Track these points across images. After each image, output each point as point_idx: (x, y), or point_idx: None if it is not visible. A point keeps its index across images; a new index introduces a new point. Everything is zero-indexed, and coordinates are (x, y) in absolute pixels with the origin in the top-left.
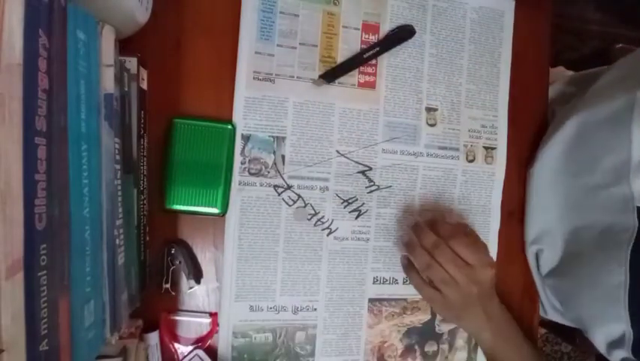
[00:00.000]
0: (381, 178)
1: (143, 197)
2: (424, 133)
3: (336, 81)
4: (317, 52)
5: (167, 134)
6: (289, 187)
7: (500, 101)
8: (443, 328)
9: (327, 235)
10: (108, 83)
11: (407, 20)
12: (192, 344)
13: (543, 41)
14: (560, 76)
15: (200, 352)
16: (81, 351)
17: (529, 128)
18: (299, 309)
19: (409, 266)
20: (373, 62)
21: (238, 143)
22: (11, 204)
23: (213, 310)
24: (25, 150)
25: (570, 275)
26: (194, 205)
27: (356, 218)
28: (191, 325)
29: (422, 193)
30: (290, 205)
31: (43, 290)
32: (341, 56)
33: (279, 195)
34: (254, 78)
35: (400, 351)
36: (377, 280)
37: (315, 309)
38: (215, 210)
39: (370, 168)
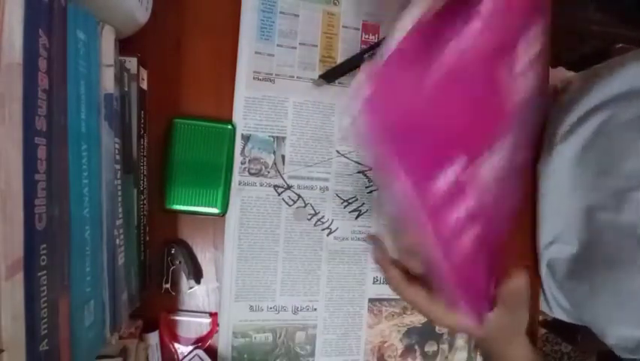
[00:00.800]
0: None
1: (143, 197)
2: None
3: (336, 81)
4: (317, 52)
5: (167, 134)
6: (289, 187)
7: None
8: (443, 328)
9: (327, 235)
10: (108, 83)
11: None
12: (192, 344)
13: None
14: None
15: (200, 352)
16: (81, 351)
17: None
18: (299, 309)
19: (379, 251)
20: None
21: (238, 143)
22: (11, 204)
23: (213, 310)
24: (25, 150)
25: (588, 280)
26: (194, 205)
27: (356, 218)
28: (191, 325)
29: None
30: (290, 205)
31: (43, 290)
32: (341, 56)
33: (279, 195)
34: (254, 78)
35: (399, 351)
36: (377, 280)
37: (315, 309)
38: (215, 210)
39: (370, 168)
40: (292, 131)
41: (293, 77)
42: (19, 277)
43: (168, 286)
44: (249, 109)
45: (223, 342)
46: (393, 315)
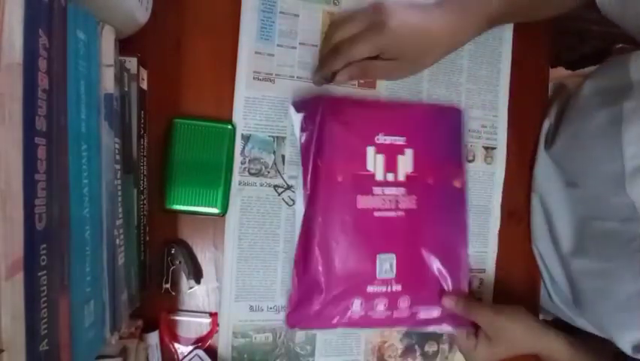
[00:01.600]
0: None
1: (143, 197)
2: None
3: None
4: (317, 52)
5: (167, 134)
6: (289, 187)
7: (500, 101)
8: (443, 328)
9: None
10: (108, 83)
11: None
12: (192, 344)
13: (543, 41)
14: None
15: (200, 352)
16: (81, 351)
17: (529, 129)
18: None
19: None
20: None
21: (238, 143)
22: (11, 204)
23: (213, 311)
24: (25, 150)
25: (581, 287)
26: (194, 205)
27: None
28: (191, 325)
29: None
30: (290, 205)
31: (43, 290)
32: None
33: (279, 195)
34: (254, 78)
35: (399, 351)
36: None
37: None
38: (215, 210)
39: None
40: (292, 131)
41: (293, 77)
42: (19, 277)
43: (168, 286)
44: (249, 109)
45: (223, 342)
46: None
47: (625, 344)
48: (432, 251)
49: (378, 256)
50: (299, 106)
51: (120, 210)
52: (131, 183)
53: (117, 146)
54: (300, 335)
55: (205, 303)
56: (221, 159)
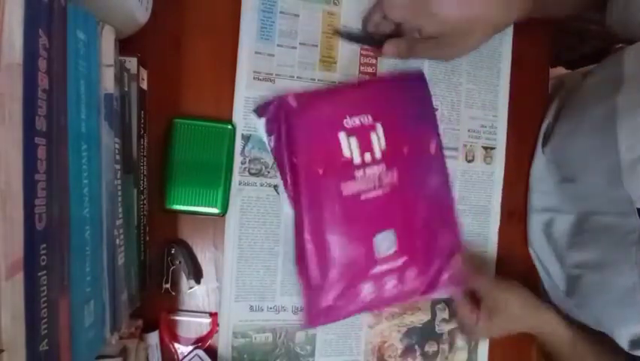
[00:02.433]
0: None
1: (143, 197)
2: None
3: (336, 81)
4: (317, 52)
5: (167, 134)
6: None
7: (500, 101)
8: (443, 328)
9: None
10: (108, 83)
11: None
12: (192, 344)
13: (543, 41)
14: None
15: (200, 352)
16: (81, 351)
17: (529, 129)
18: (299, 309)
19: None
20: (373, 61)
21: (238, 143)
22: (11, 204)
23: (213, 310)
24: (25, 150)
25: (578, 282)
26: (194, 205)
27: None
28: (191, 325)
29: None
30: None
31: (43, 290)
32: (341, 56)
33: (279, 195)
34: (254, 78)
35: (399, 351)
36: None
37: None
38: (215, 210)
39: None
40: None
41: (293, 77)
42: (19, 277)
43: (168, 286)
44: (249, 109)
45: (223, 342)
46: (393, 315)
47: (622, 339)
48: (424, 216)
49: (375, 236)
50: (260, 111)
51: (120, 210)
52: (131, 183)
53: (117, 146)
54: (300, 335)
55: (205, 303)
56: (221, 159)
